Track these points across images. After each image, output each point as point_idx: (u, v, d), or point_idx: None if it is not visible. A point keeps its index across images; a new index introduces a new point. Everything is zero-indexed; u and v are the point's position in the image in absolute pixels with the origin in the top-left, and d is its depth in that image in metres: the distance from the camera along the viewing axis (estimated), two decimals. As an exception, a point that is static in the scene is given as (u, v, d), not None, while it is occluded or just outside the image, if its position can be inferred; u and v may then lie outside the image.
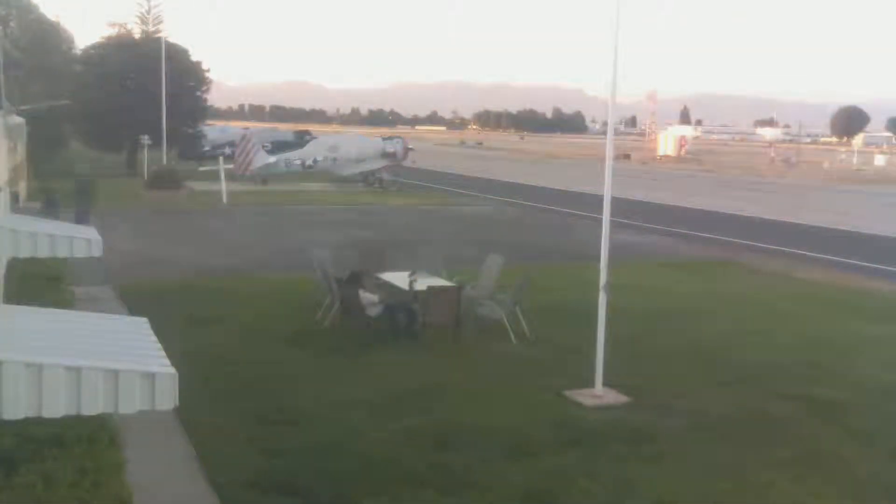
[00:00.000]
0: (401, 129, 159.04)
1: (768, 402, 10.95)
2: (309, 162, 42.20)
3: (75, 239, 8.50)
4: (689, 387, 11.45)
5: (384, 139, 46.11)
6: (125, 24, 53.08)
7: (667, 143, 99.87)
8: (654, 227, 29.21)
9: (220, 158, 37.32)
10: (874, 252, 24.84)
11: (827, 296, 18.02)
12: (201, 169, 41.65)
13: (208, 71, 53.61)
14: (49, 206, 22.02)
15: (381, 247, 15.85)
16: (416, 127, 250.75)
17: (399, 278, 13.71)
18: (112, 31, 52.18)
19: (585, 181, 44.18)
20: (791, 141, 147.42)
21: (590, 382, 10.85)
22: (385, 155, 43.67)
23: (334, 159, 42.80)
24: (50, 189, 24.30)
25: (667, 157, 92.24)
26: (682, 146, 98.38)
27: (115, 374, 4.52)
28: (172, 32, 52.21)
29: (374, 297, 13.48)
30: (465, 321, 13.20)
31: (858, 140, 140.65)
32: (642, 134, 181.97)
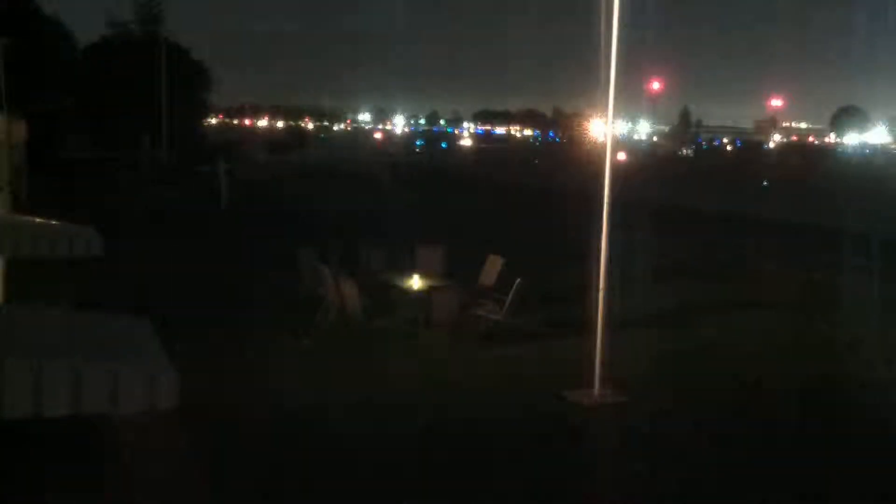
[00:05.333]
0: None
1: (769, 402, 10.98)
2: None
3: (75, 239, 8.53)
4: (689, 387, 11.47)
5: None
6: (126, 22, 53.17)
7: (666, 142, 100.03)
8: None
9: (220, 158, 37.34)
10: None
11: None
12: (202, 169, 41.65)
13: (209, 71, 53.74)
14: None
15: (382, 246, 15.82)
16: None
17: (400, 278, 13.72)
18: (113, 31, 52.26)
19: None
20: (792, 141, 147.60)
21: (589, 383, 10.86)
22: None
23: None
24: None
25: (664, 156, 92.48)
26: (681, 145, 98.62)
27: (115, 374, 4.53)
28: (173, 32, 52.23)
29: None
30: (465, 321, 13.21)
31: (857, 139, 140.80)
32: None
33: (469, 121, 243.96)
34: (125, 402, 4.55)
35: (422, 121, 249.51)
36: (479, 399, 10.68)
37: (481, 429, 9.66)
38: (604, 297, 10.82)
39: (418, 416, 9.95)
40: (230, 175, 35.83)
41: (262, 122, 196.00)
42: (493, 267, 14.83)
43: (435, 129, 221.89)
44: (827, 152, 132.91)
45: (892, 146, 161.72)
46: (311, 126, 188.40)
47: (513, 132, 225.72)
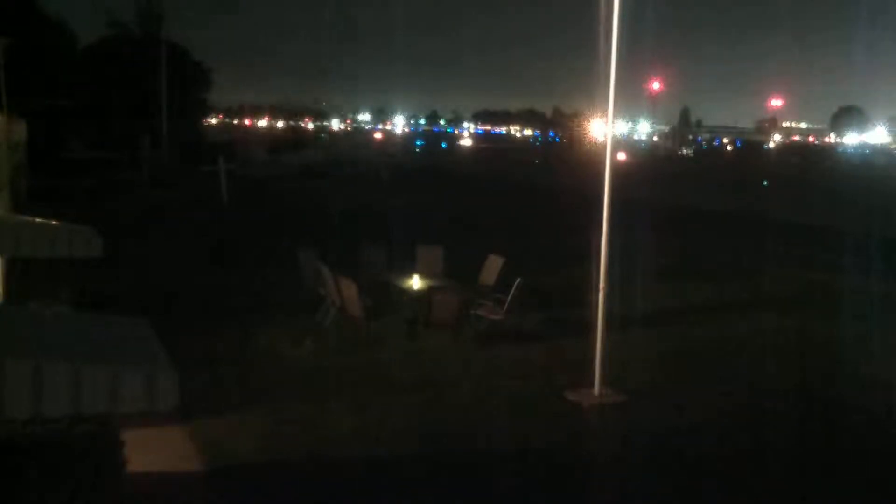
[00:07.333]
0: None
1: (769, 402, 10.98)
2: None
3: (75, 239, 8.52)
4: (689, 387, 11.48)
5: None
6: (126, 22, 53.17)
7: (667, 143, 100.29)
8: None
9: (220, 158, 37.29)
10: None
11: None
12: (202, 169, 41.61)
13: (209, 71, 53.74)
14: None
15: (382, 246, 15.82)
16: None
17: (400, 278, 13.71)
18: (113, 31, 52.25)
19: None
20: (792, 141, 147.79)
21: (589, 383, 10.87)
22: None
23: None
24: None
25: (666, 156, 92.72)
26: (681, 145, 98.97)
27: (115, 374, 4.52)
28: (173, 32, 52.22)
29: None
30: (465, 321, 13.21)
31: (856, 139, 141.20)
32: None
33: (469, 121, 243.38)
34: (125, 402, 4.55)
35: (422, 121, 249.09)
36: (479, 399, 10.69)
37: (481, 428, 9.67)
38: (604, 297, 10.82)
39: (418, 416, 9.95)
40: (230, 175, 35.80)
41: (262, 122, 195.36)
42: (493, 267, 14.83)
43: (435, 128, 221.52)
44: (827, 152, 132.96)
45: (893, 146, 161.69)
46: (311, 126, 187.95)
47: (513, 132, 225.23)
